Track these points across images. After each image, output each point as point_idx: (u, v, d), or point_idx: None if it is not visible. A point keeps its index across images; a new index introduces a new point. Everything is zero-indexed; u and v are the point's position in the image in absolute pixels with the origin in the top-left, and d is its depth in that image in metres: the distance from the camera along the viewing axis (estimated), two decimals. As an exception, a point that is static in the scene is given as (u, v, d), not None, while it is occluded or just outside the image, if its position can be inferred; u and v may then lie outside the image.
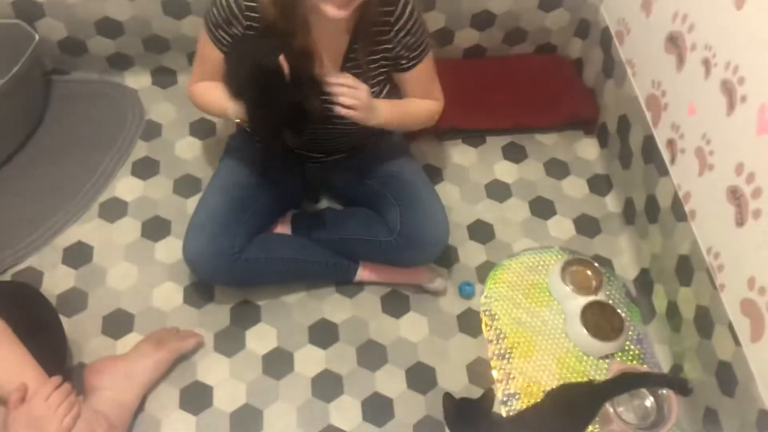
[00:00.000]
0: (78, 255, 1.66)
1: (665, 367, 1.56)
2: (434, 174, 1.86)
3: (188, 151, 1.86)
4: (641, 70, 1.70)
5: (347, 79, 1.32)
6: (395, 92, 1.53)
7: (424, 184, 1.60)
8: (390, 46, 1.40)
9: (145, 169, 1.82)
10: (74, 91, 1.95)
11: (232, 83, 1.38)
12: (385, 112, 1.42)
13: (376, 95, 1.45)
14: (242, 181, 1.56)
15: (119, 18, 1.82)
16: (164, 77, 2.00)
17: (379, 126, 1.43)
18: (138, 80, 1.99)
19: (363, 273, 1.62)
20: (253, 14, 1.33)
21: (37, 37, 1.73)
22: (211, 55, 1.42)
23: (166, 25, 1.85)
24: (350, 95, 1.31)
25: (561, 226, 1.80)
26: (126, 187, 1.78)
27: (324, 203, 1.77)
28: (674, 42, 1.54)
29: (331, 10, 1.23)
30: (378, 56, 1.41)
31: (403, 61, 1.44)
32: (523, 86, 2.00)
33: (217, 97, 1.42)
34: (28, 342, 1.26)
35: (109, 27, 1.84)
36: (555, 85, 2.02)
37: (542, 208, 1.83)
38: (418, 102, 1.53)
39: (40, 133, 1.85)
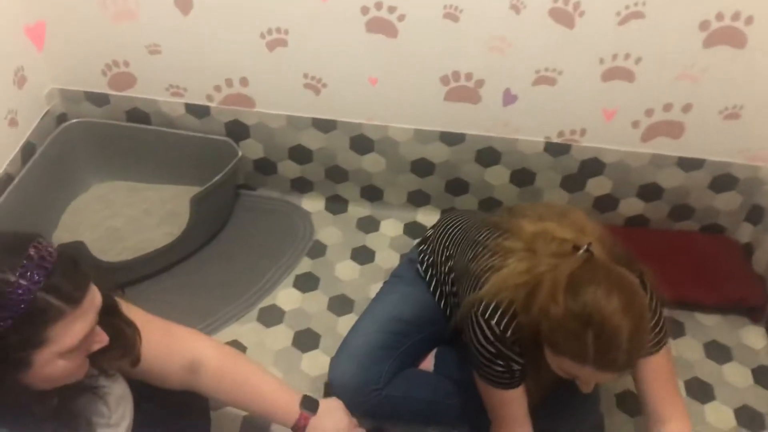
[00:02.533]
0: (231, 353, 1.75)
1: None
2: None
3: (347, 273, 1.96)
4: (823, 261, 1.63)
5: None
6: None
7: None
8: None
9: (306, 283, 1.92)
10: (256, 205, 2.15)
11: None
12: None
13: None
14: (401, 317, 1.57)
15: (311, 147, 2.02)
16: (336, 205, 2.16)
17: None
18: (313, 204, 2.16)
19: None
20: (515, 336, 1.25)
21: (240, 153, 1.95)
22: (505, 398, 1.33)
23: (349, 158, 2.03)
24: None
25: (720, 414, 1.67)
26: (286, 297, 1.88)
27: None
28: None
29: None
30: None
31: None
32: (686, 262, 1.95)
33: None
34: (179, 423, 1.32)
35: (300, 153, 2.05)
36: (720, 266, 1.95)
37: (699, 391, 1.72)
38: None
39: (221, 238, 2.03)
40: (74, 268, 0.91)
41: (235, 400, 1.28)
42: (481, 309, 1.26)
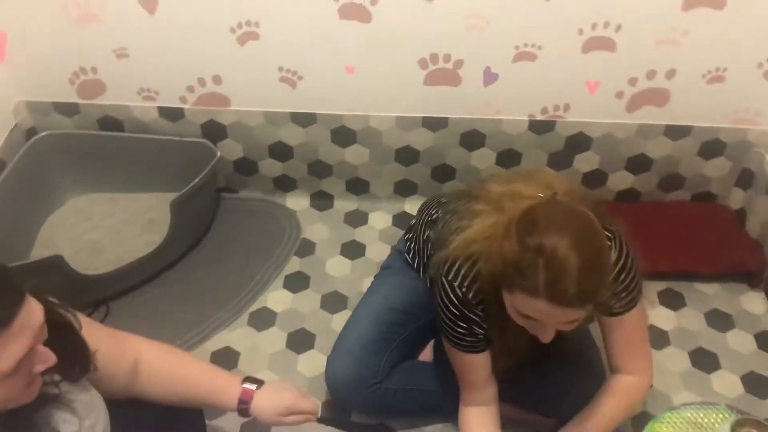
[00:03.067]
0: (224, 360, 1.68)
1: None
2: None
3: (338, 269, 1.91)
4: (819, 219, 1.61)
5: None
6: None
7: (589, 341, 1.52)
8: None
9: (297, 283, 1.87)
10: (239, 208, 2.09)
11: None
12: None
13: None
14: (395, 306, 1.54)
15: (291, 143, 1.97)
16: (322, 201, 2.11)
17: None
18: (298, 202, 2.12)
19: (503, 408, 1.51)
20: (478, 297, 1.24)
21: (218, 154, 1.90)
22: (468, 361, 1.32)
23: (331, 151, 1.98)
24: None
25: (727, 382, 1.64)
26: (277, 298, 1.83)
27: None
28: None
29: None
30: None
31: (615, 304, 1.26)
32: (680, 233, 1.92)
33: None
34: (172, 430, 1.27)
35: (280, 151, 1.99)
36: (715, 234, 1.92)
37: (705, 361, 1.69)
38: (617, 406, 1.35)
39: (205, 243, 1.98)
40: (2, 284, 0.80)
41: (176, 393, 1.21)
42: (445, 270, 1.24)
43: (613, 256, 1.20)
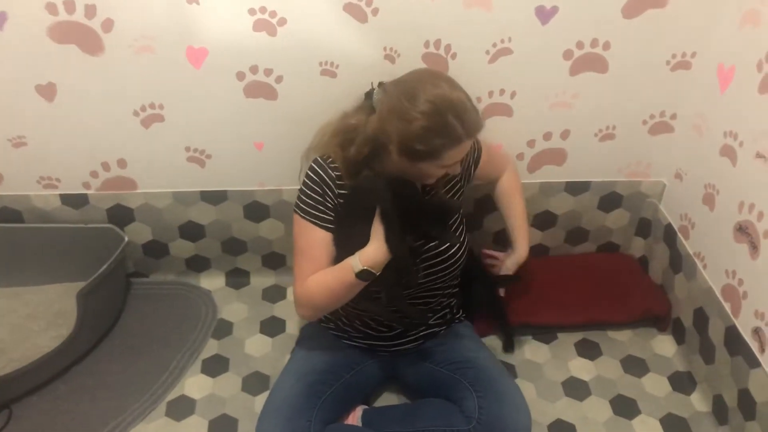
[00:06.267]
0: (142, 455, 1.60)
1: None
2: (507, 370, 1.80)
3: (258, 348, 1.87)
4: (712, 261, 1.71)
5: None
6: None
7: (499, 370, 1.55)
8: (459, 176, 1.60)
9: (215, 366, 1.81)
10: (151, 292, 2.03)
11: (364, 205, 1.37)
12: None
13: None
14: (316, 368, 1.56)
15: (202, 222, 1.94)
16: (238, 278, 2.08)
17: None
18: (212, 282, 2.07)
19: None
20: (341, 182, 1.43)
21: (126, 238, 1.84)
22: (315, 237, 1.42)
23: (244, 227, 1.96)
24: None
25: (648, 427, 1.68)
26: (195, 384, 1.76)
27: (394, 398, 1.71)
28: (744, 231, 1.56)
29: None
30: (454, 187, 1.60)
31: (473, 167, 1.64)
32: (590, 284, 2.00)
33: (336, 269, 1.38)
34: None
35: (191, 230, 1.96)
36: (622, 283, 2.01)
37: (625, 408, 1.73)
38: (518, 200, 1.79)
39: (116, 332, 1.90)
40: None
41: None
42: (313, 159, 1.47)
43: None
